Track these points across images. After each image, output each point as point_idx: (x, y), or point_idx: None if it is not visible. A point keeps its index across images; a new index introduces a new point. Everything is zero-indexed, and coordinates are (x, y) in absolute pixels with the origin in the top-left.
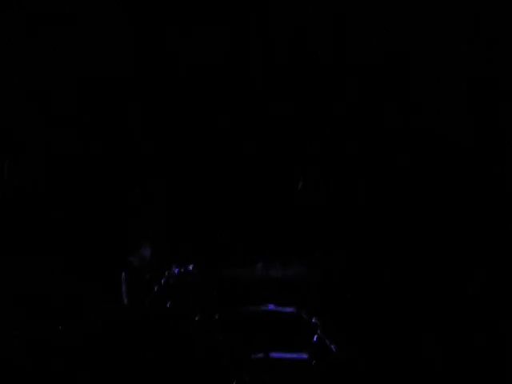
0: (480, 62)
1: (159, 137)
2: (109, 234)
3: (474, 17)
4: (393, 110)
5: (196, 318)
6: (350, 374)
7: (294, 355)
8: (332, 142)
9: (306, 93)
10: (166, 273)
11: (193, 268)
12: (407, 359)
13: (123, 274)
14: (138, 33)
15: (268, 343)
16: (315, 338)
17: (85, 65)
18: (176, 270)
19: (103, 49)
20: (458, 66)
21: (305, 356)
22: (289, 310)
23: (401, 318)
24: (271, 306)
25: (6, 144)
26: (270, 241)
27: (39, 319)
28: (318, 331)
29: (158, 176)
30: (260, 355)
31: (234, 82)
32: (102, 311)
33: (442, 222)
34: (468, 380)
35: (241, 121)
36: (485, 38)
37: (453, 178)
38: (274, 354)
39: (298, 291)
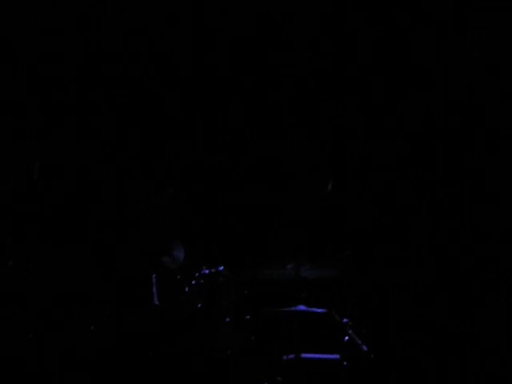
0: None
1: (186, 138)
2: (141, 234)
3: None
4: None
5: (227, 319)
6: (380, 373)
7: (326, 356)
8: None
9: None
10: (197, 274)
11: (223, 269)
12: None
13: (154, 275)
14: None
15: (299, 344)
16: (347, 339)
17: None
18: (207, 271)
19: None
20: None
21: (336, 356)
22: (320, 310)
23: (430, 316)
24: (302, 307)
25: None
26: (300, 241)
27: (70, 320)
28: (350, 331)
29: (187, 176)
30: (292, 356)
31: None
32: (133, 312)
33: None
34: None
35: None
36: None
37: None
38: (305, 355)
39: (329, 291)
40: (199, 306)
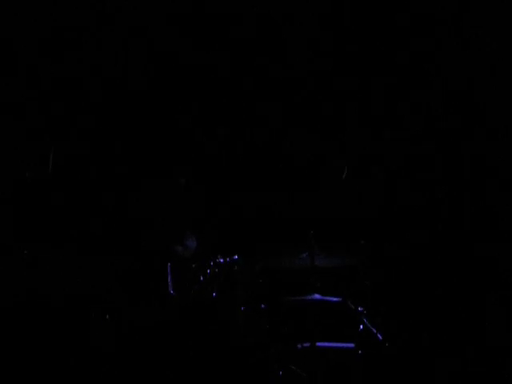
0: None
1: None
2: (154, 225)
3: None
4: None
5: (242, 308)
6: (395, 362)
7: (341, 344)
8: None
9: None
10: (212, 263)
11: (238, 258)
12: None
13: (169, 265)
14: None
15: (314, 332)
16: (361, 327)
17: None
18: (222, 260)
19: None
20: None
21: (351, 345)
22: (335, 299)
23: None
24: (317, 296)
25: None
26: (315, 230)
27: (86, 312)
28: (364, 320)
29: (199, 168)
30: (306, 344)
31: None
32: (148, 301)
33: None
34: None
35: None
36: None
37: None
38: (320, 343)
39: (344, 280)
40: (214, 295)
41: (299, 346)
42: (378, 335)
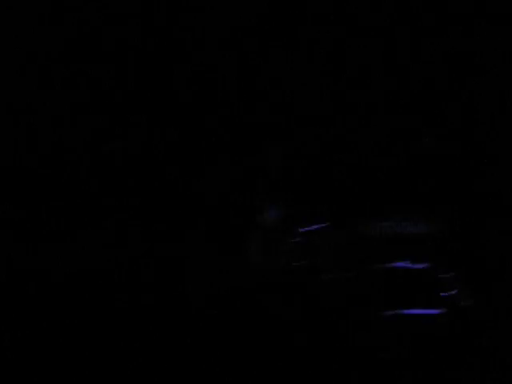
0: None
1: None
2: (236, 194)
3: None
4: None
5: (327, 277)
6: (482, 329)
7: (427, 311)
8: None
9: None
10: (297, 231)
11: (324, 226)
12: None
13: (253, 234)
14: None
15: (400, 300)
16: (448, 294)
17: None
18: (307, 229)
19: None
20: None
21: (437, 312)
22: (420, 266)
23: None
24: (402, 263)
25: None
26: (399, 197)
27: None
28: (452, 287)
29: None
30: (393, 312)
31: None
32: (231, 273)
33: None
34: None
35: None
36: None
37: None
38: (406, 311)
39: (430, 247)
40: (299, 263)
41: (385, 313)
42: (465, 302)
